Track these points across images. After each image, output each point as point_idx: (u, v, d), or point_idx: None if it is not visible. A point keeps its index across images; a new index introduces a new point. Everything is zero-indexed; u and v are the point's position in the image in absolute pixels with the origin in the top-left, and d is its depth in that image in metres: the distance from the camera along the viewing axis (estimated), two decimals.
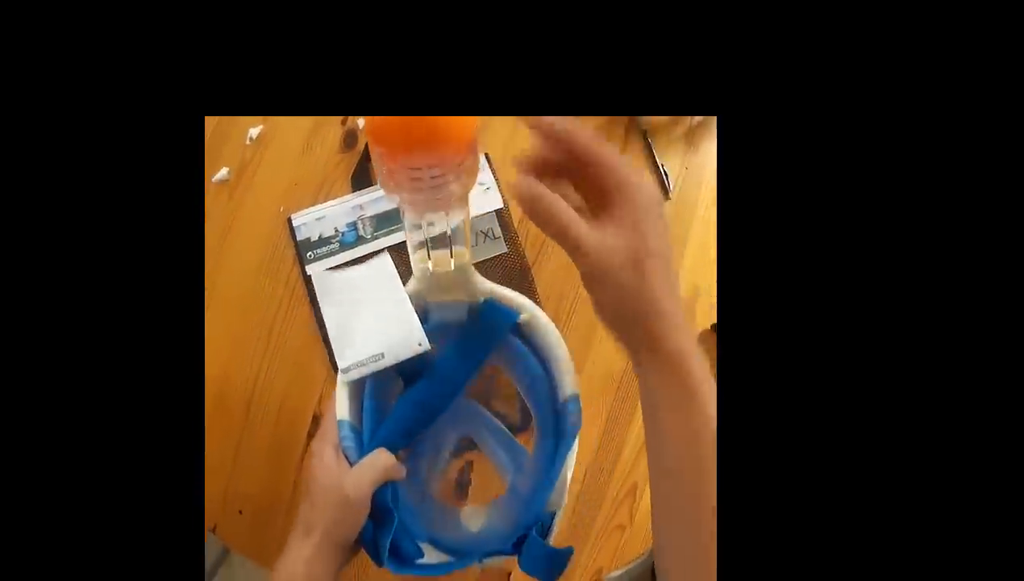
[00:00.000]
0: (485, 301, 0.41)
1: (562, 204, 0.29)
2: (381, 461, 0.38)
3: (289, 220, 0.56)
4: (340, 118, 0.57)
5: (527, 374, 0.42)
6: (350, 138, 0.57)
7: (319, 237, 0.55)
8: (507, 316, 0.41)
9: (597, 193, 0.30)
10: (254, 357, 0.56)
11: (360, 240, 0.54)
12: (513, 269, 0.55)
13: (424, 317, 0.42)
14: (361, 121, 0.57)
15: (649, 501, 0.55)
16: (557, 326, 0.55)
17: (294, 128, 0.57)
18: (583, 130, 0.30)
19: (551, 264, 0.56)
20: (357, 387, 0.40)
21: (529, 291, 0.55)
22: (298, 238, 0.55)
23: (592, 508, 0.55)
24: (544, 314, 0.41)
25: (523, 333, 0.42)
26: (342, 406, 0.39)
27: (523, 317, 0.41)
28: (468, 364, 0.42)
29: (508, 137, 0.58)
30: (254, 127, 0.57)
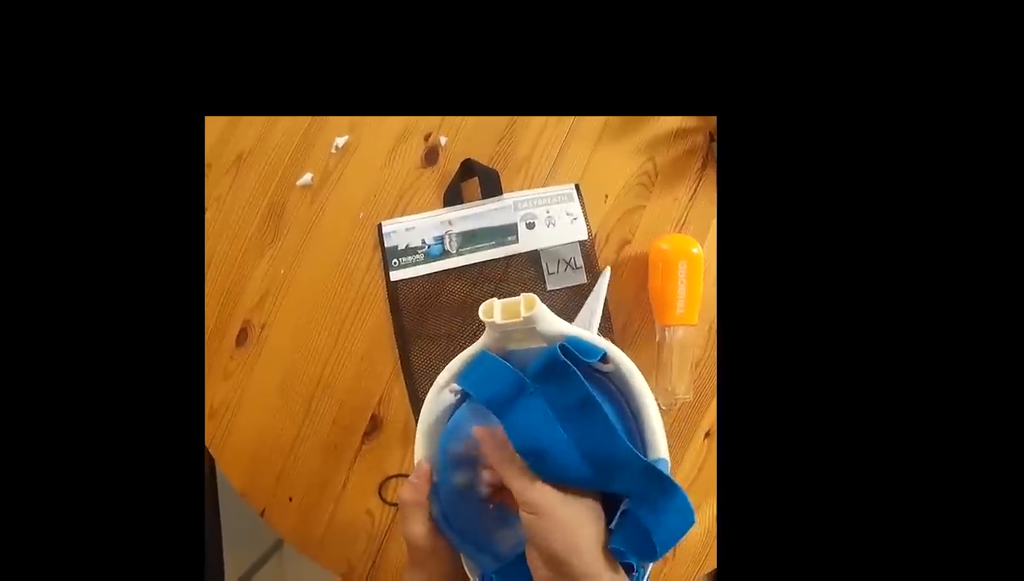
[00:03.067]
0: (567, 339, 0.36)
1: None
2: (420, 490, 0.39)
3: (379, 226, 0.58)
4: (424, 134, 0.60)
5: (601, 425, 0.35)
6: (432, 154, 0.60)
7: (406, 246, 0.57)
8: (591, 352, 0.36)
9: None
10: (321, 353, 0.58)
11: (445, 254, 0.57)
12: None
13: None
14: (444, 138, 0.60)
15: (694, 534, 0.56)
16: None
17: (378, 140, 0.61)
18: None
19: (618, 295, 0.58)
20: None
21: (604, 320, 0.55)
22: (386, 245, 0.58)
23: None
24: (631, 364, 0.37)
25: (607, 384, 0.37)
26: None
27: (608, 367, 0.37)
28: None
29: (597, 168, 0.59)
30: (340, 137, 0.61)
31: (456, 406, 0.41)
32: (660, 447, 0.35)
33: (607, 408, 0.35)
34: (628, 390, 0.36)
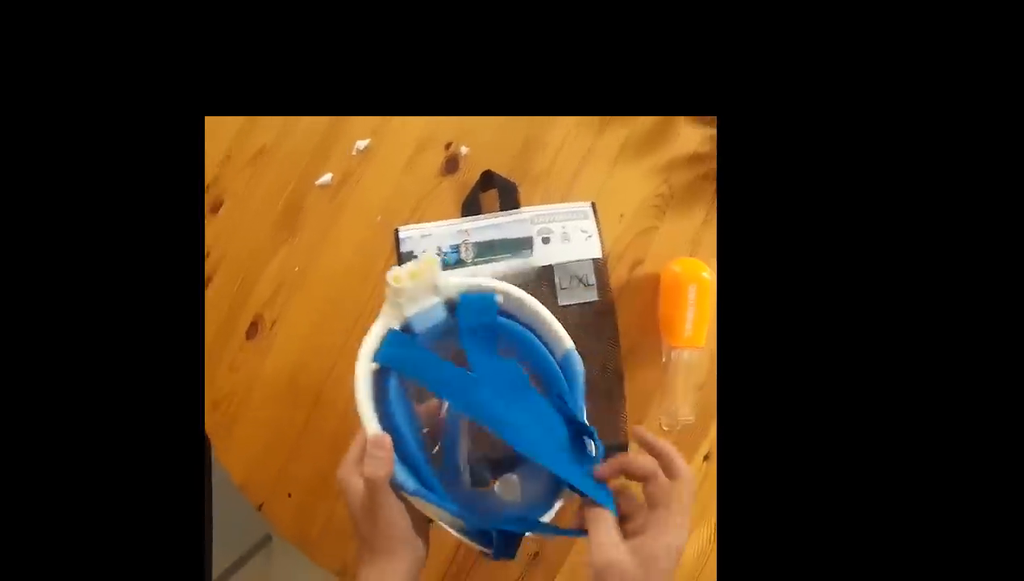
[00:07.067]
0: (462, 296, 0.44)
1: (608, 520, 0.35)
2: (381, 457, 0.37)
3: (396, 231, 0.59)
4: (445, 142, 0.61)
5: (519, 342, 0.44)
6: (452, 163, 0.61)
7: (422, 253, 0.58)
8: (487, 299, 0.44)
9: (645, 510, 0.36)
10: (331, 352, 0.59)
11: (460, 263, 0.58)
12: (599, 316, 0.56)
13: (411, 332, 0.43)
14: (464, 148, 0.61)
15: (687, 556, 0.56)
16: (625, 373, 0.56)
17: (399, 145, 0.61)
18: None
19: (627, 314, 0.58)
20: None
21: (612, 337, 0.56)
22: (402, 250, 0.58)
23: None
24: (516, 289, 0.44)
25: (505, 311, 0.44)
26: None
27: (499, 298, 0.44)
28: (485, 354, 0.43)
29: (614, 187, 0.60)
30: (362, 140, 0.61)
31: (381, 381, 0.42)
32: (565, 341, 0.44)
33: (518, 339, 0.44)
34: (519, 309, 0.44)
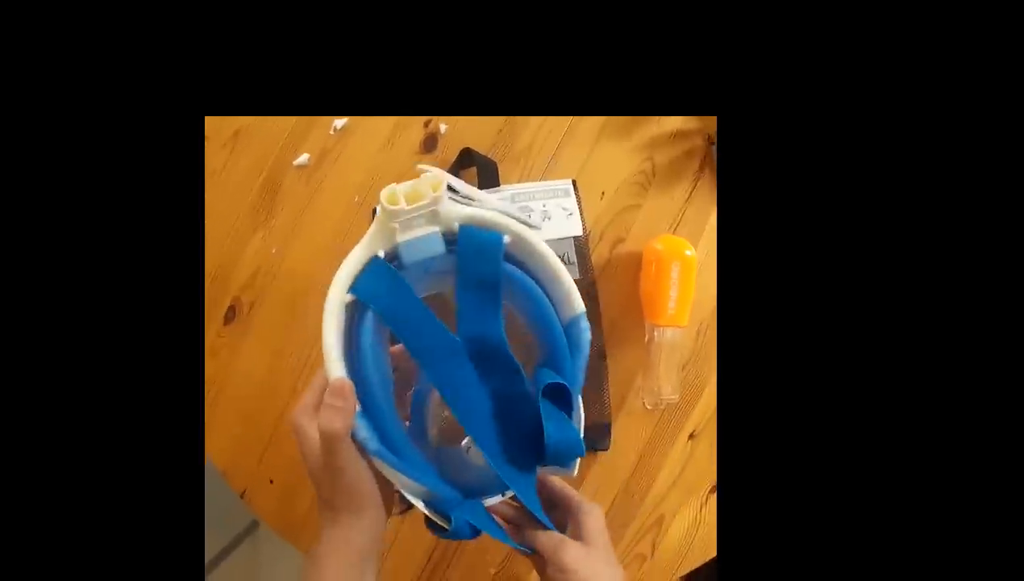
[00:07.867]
0: (462, 228, 0.37)
1: (565, 540, 0.37)
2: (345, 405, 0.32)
3: (374, 211, 0.57)
4: (424, 120, 0.60)
5: (526, 299, 0.38)
6: (430, 141, 0.59)
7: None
8: (492, 240, 0.37)
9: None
10: (309, 335, 0.58)
11: None
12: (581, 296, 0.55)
13: (399, 263, 0.37)
14: (444, 126, 0.59)
15: (673, 536, 0.56)
16: (608, 352, 0.56)
17: (377, 124, 0.60)
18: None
19: (610, 293, 0.58)
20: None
21: (594, 317, 0.55)
22: None
23: (616, 532, 0.56)
24: (530, 232, 0.37)
25: (511, 256, 0.38)
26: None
27: (506, 239, 0.37)
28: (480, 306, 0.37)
29: (595, 165, 0.59)
30: (340, 119, 0.60)
31: (355, 317, 0.37)
32: (576, 304, 0.37)
33: (524, 289, 0.38)
34: (528, 256, 0.38)
